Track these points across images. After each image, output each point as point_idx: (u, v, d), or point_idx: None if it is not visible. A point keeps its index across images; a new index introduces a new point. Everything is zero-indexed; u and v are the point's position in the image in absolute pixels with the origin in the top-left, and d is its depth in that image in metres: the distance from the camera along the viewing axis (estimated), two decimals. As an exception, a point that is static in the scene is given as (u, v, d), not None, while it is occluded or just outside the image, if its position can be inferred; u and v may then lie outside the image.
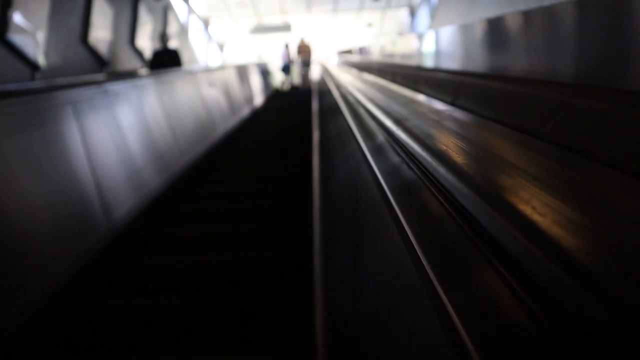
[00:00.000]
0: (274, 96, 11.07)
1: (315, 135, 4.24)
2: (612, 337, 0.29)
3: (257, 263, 2.21)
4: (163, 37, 6.08)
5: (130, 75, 3.65)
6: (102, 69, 6.34)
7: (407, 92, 1.36)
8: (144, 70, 6.12)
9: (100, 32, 6.28)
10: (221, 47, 16.15)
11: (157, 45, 6.40)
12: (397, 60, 3.21)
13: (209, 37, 14.35)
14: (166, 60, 5.71)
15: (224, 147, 5.21)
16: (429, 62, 2.41)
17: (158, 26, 8.92)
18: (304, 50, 12.96)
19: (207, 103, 5.31)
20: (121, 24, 7.07)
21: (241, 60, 10.99)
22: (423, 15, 13.27)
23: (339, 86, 2.96)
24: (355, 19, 16.44)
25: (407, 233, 0.62)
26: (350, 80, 3.62)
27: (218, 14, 14.58)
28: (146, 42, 8.08)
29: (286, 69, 13.61)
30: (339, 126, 2.16)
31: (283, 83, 14.07)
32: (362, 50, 9.77)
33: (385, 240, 0.81)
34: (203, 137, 4.70)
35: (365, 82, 2.20)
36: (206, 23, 14.00)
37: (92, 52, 6.07)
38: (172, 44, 9.66)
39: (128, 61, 7.19)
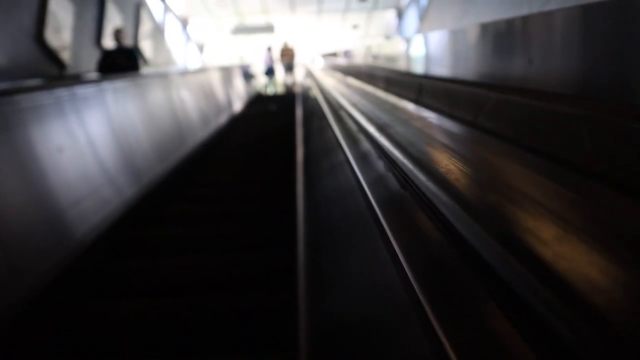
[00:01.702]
0: (257, 100, 10.47)
1: (300, 151, 3.71)
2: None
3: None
4: (117, 34, 5.24)
5: (81, 80, 3.03)
6: (62, 71, 5.67)
7: (458, 131, 0.83)
8: (94, 74, 5.24)
9: (60, 30, 5.61)
10: (201, 48, 15.48)
11: (111, 43, 5.45)
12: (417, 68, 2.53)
13: (188, 38, 13.69)
14: (121, 60, 4.92)
15: (199, 158, 4.60)
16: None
17: (129, 25, 8.25)
18: (287, 54, 12.55)
19: (179, 111, 4.69)
20: (85, 22, 6.39)
21: (222, 62, 10.37)
22: (411, 17, 12.81)
23: (329, 100, 2.42)
24: (341, 20, 15.91)
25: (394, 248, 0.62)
26: (334, 85, 3.09)
27: (197, 13, 13.91)
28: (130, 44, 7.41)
29: (269, 72, 13.19)
30: (326, 139, 1.96)
31: (266, 86, 13.57)
32: (347, 54, 9.24)
33: (370, 251, 0.82)
34: (170, 152, 4.09)
35: (369, 98, 1.64)
36: (184, 22, 13.34)
37: (49, 52, 5.39)
38: (146, 44, 8.99)
39: (93, 63, 6.51)
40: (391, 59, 2.77)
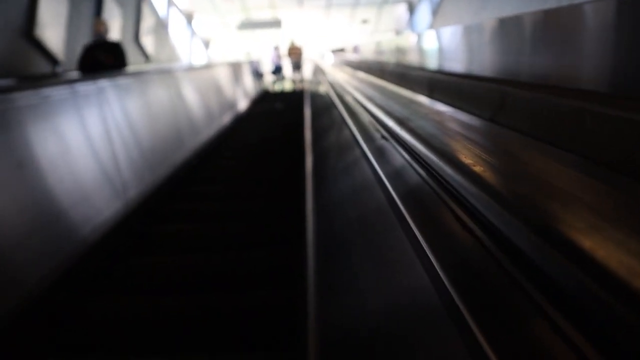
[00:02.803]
0: (264, 98, 10.09)
1: (308, 153, 3.33)
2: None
3: None
4: (98, 26, 4.61)
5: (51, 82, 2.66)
6: (54, 68, 5.32)
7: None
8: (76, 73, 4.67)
9: (53, 26, 5.25)
10: (206, 44, 15.12)
11: (95, 37, 4.78)
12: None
13: (192, 33, 13.33)
14: (104, 56, 4.34)
15: (204, 156, 4.23)
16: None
17: (130, 20, 7.89)
18: (295, 52, 12.33)
19: (180, 110, 4.32)
20: (81, 17, 6.03)
21: (228, 59, 10.02)
22: (424, 11, 12.35)
23: (348, 105, 2.05)
24: (350, 15, 15.46)
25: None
26: (350, 83, 2.71)
27: (202, 7, 13.54)
28: (115, 38, 7.05)
29: (277, 71, 13.03)
30: (341, 143, 1.77)
31: (274, 83, 13.29)
32: (356, 49, 8.86)
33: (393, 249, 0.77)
34: (172, 151, 3.72)
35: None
36: (189, 18, 12.97)
37: (40, 48, 5.04)
38: (148, 39, 8.63)
39: (90, 59, 6.14)
40: (436, 56, 2.26)
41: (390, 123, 0.87)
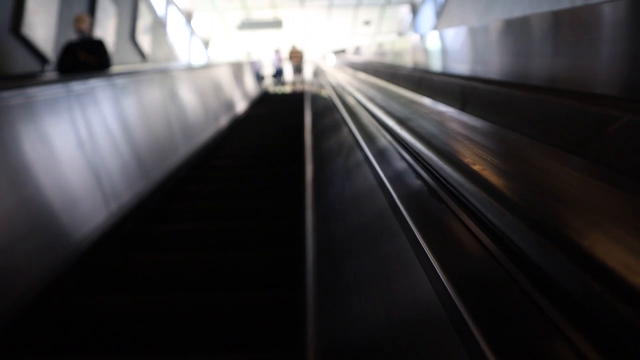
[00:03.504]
0: (264, 99, 9.86)
1: (309, 166, 3.10)
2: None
3: None
4: (78, 23, 4.12)
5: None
6: (44, 66, 5.08)
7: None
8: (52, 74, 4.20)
9: (42, 23, 5.01)
10: (205, 43, 14.88)
11: (73, 34, 4.31)
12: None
13: (192, 33, 13.09)
14: (85, 56, 3.96)
15: (204, 156, 3.99)
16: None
17: (125, 18, 7.64)
18: (296, 56, 12.34)
19: (173, 114, 4.08)
20: (73, 14, 5.78)
21: (228, 59, 9.80)
22: (427, 13, 12.13)
23: (344, 102, 1.83)
24: (352, 16, 15.23)
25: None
26: (362, 91, 2.48)
27: (202, 6, 13.30)
28: (110, 37, 6.80)
29: (278, 74, 13.06)
30: (342, 148, 1.68)
31: (275, 84, 13.19)
32: (357, 51, 8.64)
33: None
34: (163, 158, 3.48)
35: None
36: (188, 17, 12.73)
37: (29, 45, 4.80)
38: (144, 38, 8.39)
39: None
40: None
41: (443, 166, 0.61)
